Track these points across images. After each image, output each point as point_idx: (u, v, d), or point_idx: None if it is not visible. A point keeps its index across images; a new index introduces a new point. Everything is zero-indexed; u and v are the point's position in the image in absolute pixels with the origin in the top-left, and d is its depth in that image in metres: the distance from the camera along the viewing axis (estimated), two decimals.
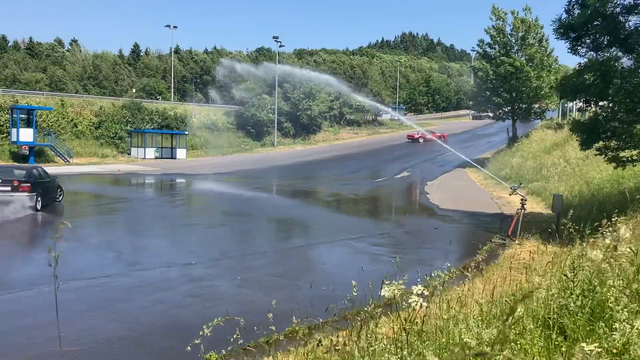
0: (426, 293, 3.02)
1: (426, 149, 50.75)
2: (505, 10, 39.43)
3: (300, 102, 62.75)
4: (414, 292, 2.96)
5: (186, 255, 12.87)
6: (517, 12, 39.09)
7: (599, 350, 2.50)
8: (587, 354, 2.36)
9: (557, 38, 14.55)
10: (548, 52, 38.62)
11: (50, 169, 35.76)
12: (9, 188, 16.74)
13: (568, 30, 14.04)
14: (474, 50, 71.79)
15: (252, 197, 26.77)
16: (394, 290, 3.03)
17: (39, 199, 17.58)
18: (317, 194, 27.44)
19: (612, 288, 3.39)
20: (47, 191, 18.77)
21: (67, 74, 73.89)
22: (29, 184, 17.29)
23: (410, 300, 2.95)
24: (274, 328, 4.98)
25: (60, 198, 20.38)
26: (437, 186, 28.94)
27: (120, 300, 9.26)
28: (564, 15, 14.19)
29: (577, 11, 13.87)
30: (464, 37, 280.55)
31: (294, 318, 5.55)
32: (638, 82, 12.47)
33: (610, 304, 3.19)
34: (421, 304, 2.92)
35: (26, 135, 39.38)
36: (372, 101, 63.57)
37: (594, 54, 14.20)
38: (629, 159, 14.08)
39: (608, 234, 4.69)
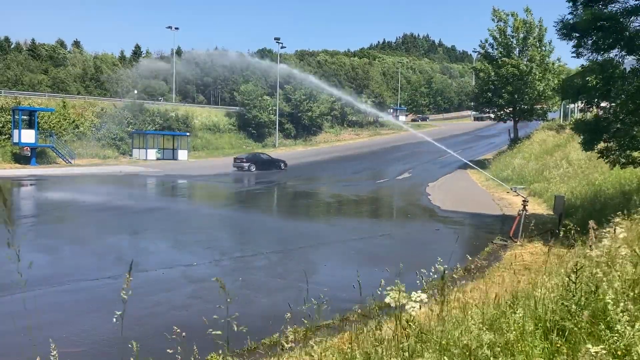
0: (425, 300, 3.01)
1: (427, 150, 50.71)
2: (507, 12, 39.47)
3: (302, 104, 62.79)
4: (413, 298, 2.95)
5: (188, 256, 12.87)
6: (517, 14, 39.12)
7: (604, 352, 2.49)
8: (593, 355, 2.35)
9: (560, 38, 14.49)
10: (549, 52, 38.58)
11: (51, 170, 35.87)
12: (240, 162, 39.92)
13: (571, 31, 14.00)
14: (475, 52, 71.86)
15: (253, 198, 26.78)
16: (397, 296, 3.02)
17: (253, 166, 39.75)
18: (318, 195, 27.44)
19: (613, 290, 3.38)
20: (262, 164, 40.38)
21: (69, 76, 74.02)
22: (246, 159, 40.48)
23: (407, 307, 2.94)
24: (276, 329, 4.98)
25: (284, 168, 40.76)
26: (439, 187, 28.92)
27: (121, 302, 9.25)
28: (567, 16, 14.15)
29: (580, 11, 13.81)
30: (465, 38, 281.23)
31: (292, 318, 5.54)
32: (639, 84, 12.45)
33: (611, 306, 3.18)
34: (419, 307, 2.92)
35: (28, 136, 39.43)
36: (372, 109, 63.94)
37: (596, 56, 14.16)
38: (631, 160, 14.05)
39: (607, 235, 4.69)
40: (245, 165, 39.68)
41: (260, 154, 43.12)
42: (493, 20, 39.62)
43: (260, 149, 57.64)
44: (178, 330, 4.10)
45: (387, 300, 3.07)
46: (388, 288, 3.12)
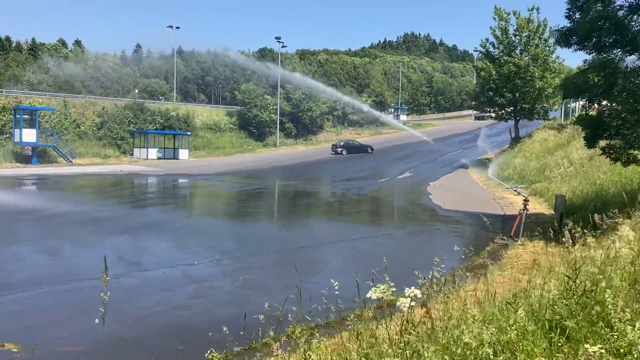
0: (419, 295, 2.99)
1: (428, 150, 50.66)
2: (508, 11, 39.38)
3: (302, 103, 62.76)
4: (407, 294, 2.93)
5: (188, 255, 12.87)
6: (520, 13, 39.01)
7: (602, 351, 2.48)
8: (591, 355, 2.34)
9: (560, 46, 14.57)
10: (551, 50, 38.49)
11: (52, 170, 35.90)
12: (336, 148, 51.08)
13: (569, 37, 14.02)
14: (476, 51, 71.68)
15: (255, 197, 26.77)
16: (383, 292, 3.00)
17: (345, 150, 50.08)
18: (319, 194, 27.43)
19: (614, 289, 3.37)
20: (352, 148, 50.82)
21: (70, 75, 73.99)
22: (339, 146, 51.25)
23: (398, 304, 2.92)
24: (275, 328, 4.97)
25: (371, 151, 50.57)
26: (440, 187, 28.89)
27: (124, 301, 9.26)
28: (565, 23, 14.19)
29: (577, 15, 13.81)
30: (466, 37, 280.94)
31: (293, 318, 5.54)
32: None
33: (611, 305, 3.17)
34: (411, 306, 2.90)
35: (29, 135, 39.44)
36: (372, 109, 64.40)
37: (598, 55, 14.14)
38: (633, 158, 14.03)
39: (607, 233, 4.68)
40: (339, 150, 50.62)
41: (352, 141, 54.82)
42: (494, 19, 39.54)
43: (261, 148, 57.69)
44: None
45: (369, 295, 3.04)
46: (378, 285, 3.10)
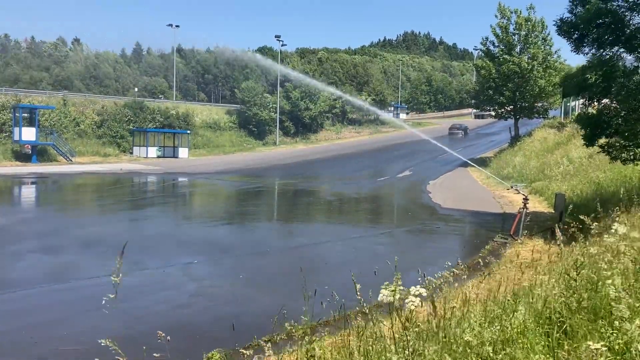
0: (425, 294, 3.00)
1: (428, 149, 50.65)
2: (511, 9, 39.35)
3: (301, 102, 62.72)
4: (412, 293, 2.93)
5: (188, 253, 12.87)
6: (520, 12, 38.99)
7: (604, 349, 2.49)
8: (593, 352, 2.35)
9: (560, 36, 14.49)
10: (553, 51, 38.50)
11: (52, 168, 35.88)
12: (452, 130, 63.83)
13: (570, 29, 13.97)
14: (476, 49, 71.74)
15: (255, 196, 26.78)
16: (392, 293, 3.00)
17: (462, 132, 62.93)
18: (318, 193, 27.43)
19: (614, 286, 3.38)
20: (464, 130, 63.75)
21: (69, 73, 73.96)
22: (458, 127, 64.95)
23: (406, 301, 2.93)
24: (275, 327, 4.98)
25: (467, 133, 63.58)
26: (439, 185, 28.90)
27: (123, 300, 9.26)
28: (567, 15, 14.11)
29: (579, 9, 13.76)
30: (466, 36, 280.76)
31: (293, 316, 5.55)
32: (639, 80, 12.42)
33: (612, 303, 3.18)
34: (418, 304, 2.91)
35: (29, 134, 39.39)
36: (372, 107, 64.62)
37: (597, 53, 14.12)
38: (632, 156, 14.02)
39: (607, 231, 4.68)
40: (458, 132, 62.51)
41: (463, 124, 67.43)
42: (496, 16, 39.47)
43: (261, 147, 57.68)
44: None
45: (381, 297, 3.04)
46: (385, 284, 3.11)
